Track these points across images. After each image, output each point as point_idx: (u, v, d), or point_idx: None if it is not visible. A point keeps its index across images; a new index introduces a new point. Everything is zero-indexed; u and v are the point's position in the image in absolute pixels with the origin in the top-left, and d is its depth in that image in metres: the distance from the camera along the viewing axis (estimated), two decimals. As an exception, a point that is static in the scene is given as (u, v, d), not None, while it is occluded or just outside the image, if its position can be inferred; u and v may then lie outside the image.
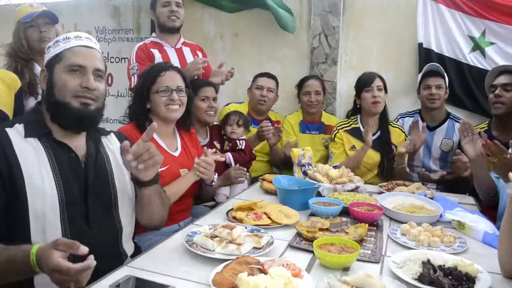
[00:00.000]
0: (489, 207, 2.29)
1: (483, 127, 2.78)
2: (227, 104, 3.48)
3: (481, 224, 1.83)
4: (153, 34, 3.18)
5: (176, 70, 2.21)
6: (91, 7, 4.44)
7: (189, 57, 3.10)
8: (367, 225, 1.71)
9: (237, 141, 2.81)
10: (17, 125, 1.45)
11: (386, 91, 2.99)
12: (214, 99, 2.75)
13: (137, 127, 2.11)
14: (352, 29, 3.64)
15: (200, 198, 2.43)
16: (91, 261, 1.12)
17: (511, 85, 2.61)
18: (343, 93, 3.69)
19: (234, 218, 1.83)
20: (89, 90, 1.46)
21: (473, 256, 1.51)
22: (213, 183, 2.22)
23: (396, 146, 2.97)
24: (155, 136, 2.13)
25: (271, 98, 3.39)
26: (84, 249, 1.13)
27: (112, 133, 1.71)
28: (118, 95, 4.34)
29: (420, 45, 3.42)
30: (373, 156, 2.94)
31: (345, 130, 3.05)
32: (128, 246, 1.63)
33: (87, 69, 1.47)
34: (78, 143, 1.53)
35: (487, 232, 1.73)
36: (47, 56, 1.52)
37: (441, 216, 1.92)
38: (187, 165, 2.19)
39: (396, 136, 3.01)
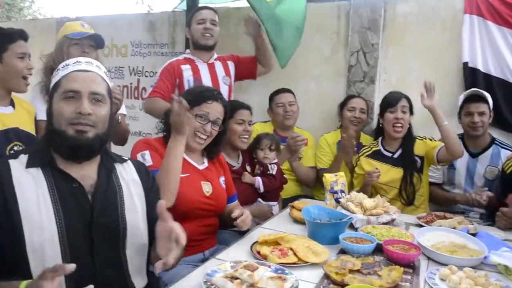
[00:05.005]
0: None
1: None
2: (254, 123, 3.42)
3: (531, 269, 1.65)
4: (187, 51, 3.18)
5: (222, 103, 2.14)
6: (128, 21, 4.50)
7: (219, 71, 3.10)
8: (402, 268, 1.57)
9: (269, 165, 2.72)
10: (22, 155, 1.41)
11: (411, 113, 2.88)
12: (250, 123, 2.67)
13: (164, 142, 2.04)
14: (392, 46, 3.48)
15: (228, 222, 2.35)
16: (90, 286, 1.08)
17: None
18: (381, 113, 3.53)
19: (258, 253, 1.73)
20: (83, 116, 1.39)
21: (522, 311, 1.35)
22: None
23: (422, 157, 2.84)
24: None
25: (295, 111, 3.36)
26: (71, 266, 1.06)
27: (129, 161, 1.62)
28: (151, 109, 4.33)
29: (465, 64, 3.24)
30: (396, 174, 2.82)
31: (366, 156, 2.96)
32: (138, 279, 1.53)
33: (82, 94, 1.40)
34: (86, 172, 1.45)
35: (539, 282, 1.56)
36: (50, 86, 1.48)
37: (485, 257, 1.75)
38: (211, 179, 2.14)
39: (421, 147, 2.87)
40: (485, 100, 2.83)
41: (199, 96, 2.10)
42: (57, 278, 1.07)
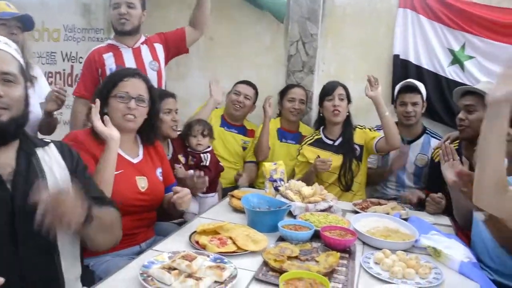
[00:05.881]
0: (465, 227, 2.21)
1: (454, 146, 2.67)
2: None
3: (457, 251, 1.74)
4: (111, 36, 2.99)
5: (142, 78, 2.03)
6: (60, 4, 4.25)
7: (146, 56, 2.89)
8: (338, 254, 1.60)
9: (201, 155, 2.66)
10: None
11: (349, 101, 2.94)
12: (176, 111, 2.60)
13: (92, 133, 1.90)
14: (330, 37, 3.55)
15: (167, 214, 2.29)
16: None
17: (473, 106, 2.45)
18: (319, 103, 3.59)
19: (197, 243, 1.70)
20: None
21: (449, 290, 1.42)
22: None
23: (361, 146, 2.92)
24: None
25: (247, 105, 3.33)
26: (1, 280, 1.04)
27: (51, 144, 1.49)
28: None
29: (396, 56, 3.38)
30: (336, 161, 2.86)
31: (308, 144, 3.01)
32: (72, 271, 1.43)
33: None
34: (4, 159, 1.32)
35: (464, 262, 1.65)
36: None
37: (416, 241, 1.83)
38: (146, 173, 2.03)
39: (361, 136, 2.95)
40: (418, 91, 2.95)
41: (114, 77, 2.02)
42: None
